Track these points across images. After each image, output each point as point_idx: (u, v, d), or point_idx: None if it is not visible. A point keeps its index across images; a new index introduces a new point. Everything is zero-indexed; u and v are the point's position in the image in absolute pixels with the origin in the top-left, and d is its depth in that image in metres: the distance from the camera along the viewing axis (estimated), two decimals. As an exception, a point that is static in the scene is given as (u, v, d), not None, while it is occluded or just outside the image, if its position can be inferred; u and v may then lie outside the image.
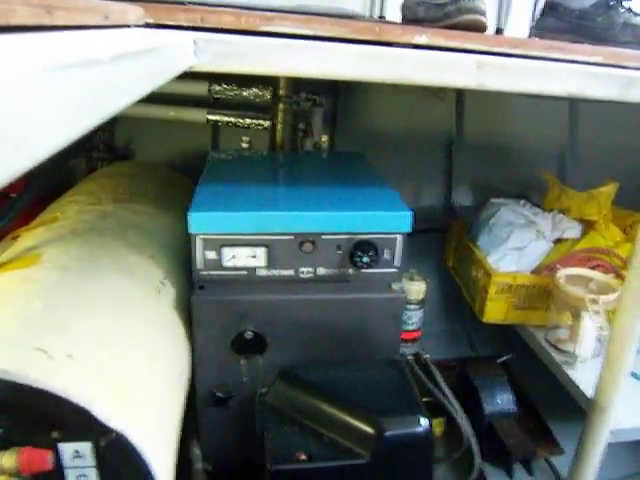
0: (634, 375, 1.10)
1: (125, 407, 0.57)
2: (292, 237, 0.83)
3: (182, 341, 0.81)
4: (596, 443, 0.99)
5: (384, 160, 1.28)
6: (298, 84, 1.30)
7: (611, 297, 1.05)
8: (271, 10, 0.69)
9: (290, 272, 0.86)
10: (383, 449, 0.72)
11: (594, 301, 1.04)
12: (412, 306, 1.21)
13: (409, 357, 1.11)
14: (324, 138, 1.32)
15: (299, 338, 0.86)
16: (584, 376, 1.07)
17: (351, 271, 0.87)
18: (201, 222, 0.80)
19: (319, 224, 0.83)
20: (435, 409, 1.11)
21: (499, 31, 1.39)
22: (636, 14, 1.01)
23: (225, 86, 1.32)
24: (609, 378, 0.95)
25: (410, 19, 0.91)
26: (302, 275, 0.86)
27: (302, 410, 0.78)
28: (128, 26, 0.55)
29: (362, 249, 0.84)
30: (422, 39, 0.69)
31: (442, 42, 0.70)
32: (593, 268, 1.19)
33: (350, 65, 0.62)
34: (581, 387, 1.05)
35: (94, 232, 0.83)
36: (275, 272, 0.85)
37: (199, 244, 0.82)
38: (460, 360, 1.33)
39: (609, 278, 1.14)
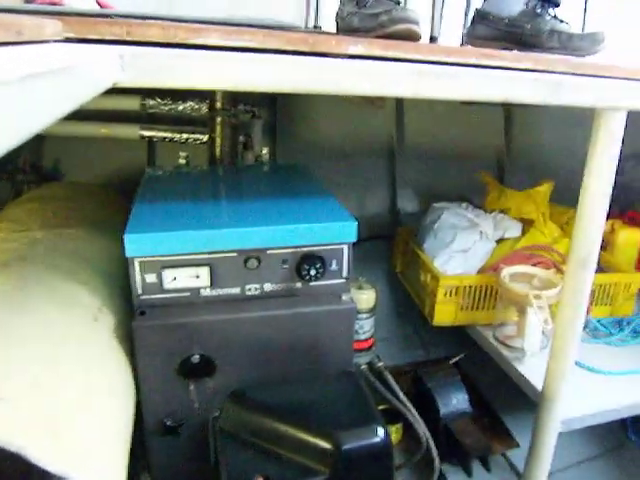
0: (580, 364, 1.13)
1: (64, 448, 0.53)
2: (236, 254, 0.81)
3: (125, 370, 0.77)
4: (548, 434, 1.01)
5: (327, 170, 1.27)
6: (235, 96, 1.27)
7: (553, 292, 1.08)
8: (203, 22, 0.66)
9: (236, 290, 0.83)
10: (342, 463, 0.71)
11: (537, 297, 1.07)
12: (363, 315, 1.20)
13: (363, 366, 1.11)
14: (265, 150, 1.30)
15: (249, 357, 0.83)
16: (533, 369, 1.09)
17: (299, 285, 0.85)
18: (138, 244, 0.77)
19: (263, 239, 0.81)
20: (392, 415, 1.11)
21: (433, 40, 1.41)
22: (561, 21, 1.05)
23: (159, 100, 1.27)
24: (556, 369, 0.97)
25: (344, 29, 0.90)
26: (248, 292, 0.84)
27: (257, 432, 0.75)
28: (46, 42, 0.52)
29: (309, 262, 0.83)
30: (357, 49, 0.69)
31: (377, 52, 0.70)
32: (535, 265, 1.22)
33: (285, 77, 0.60)
34: (531, 380, 1.07)
35: (21, 261, 0.77)
36: (220, 291, 0.82)
37: (137, 267, 0.78)
38: (414, 364, 1.34)
39: (550, 273, 1.17)
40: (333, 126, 1.48)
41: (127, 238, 0.76)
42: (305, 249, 0.83)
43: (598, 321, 1.30)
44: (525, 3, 1.07)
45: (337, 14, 0.95)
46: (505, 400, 1.31)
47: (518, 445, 1.15)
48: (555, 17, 1.07)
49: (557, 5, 1.10)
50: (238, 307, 0.82)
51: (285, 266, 0.84)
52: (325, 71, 0.62)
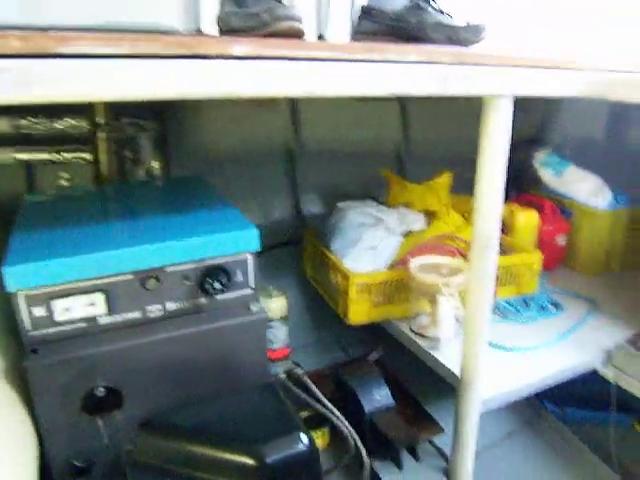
0: (493, 345, 1.18)
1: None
2: (132, 276, 0.77)
3: (20, 414, 0.71)
4: (470, 416, 1.04)
5: (225, 178, 1.24)
6: (118, 109, 1.21)
7: (461, 278, 1.12)
8: (73, 29, 0.62)
9: (136, 314, 0.79)
10: (268, 477, 0.69)
11: (447, 285, 1.11)
12: (276, 323, 1.19)
13: (281, 375, 1.09)
14: (156, 164, 1.25)
15: (160, 383, 0.80)
16: (450, 356, 1.12)
17: (204, 300, 0.83)
18: (20, 276, 0.71)
19: (160, 257, 0.78)
20: (317, 421, 1.10)
21: (320, 38, 1.42)
22: (444, 14, 1.09)
23: (32, 119, 1.17)
24: (470, 353, 1.01)
25: (226, 30, 0.89)
26: (151, 315, 0.80)
27: (175, 458, 0.72)
28: None
29: (212, 275, 0.80)
30: (241, 50, 0.67)
31: (262, 51, 0.69)
32: (442, 254, 1.26)
33: (165, 83, 0.58)
34: (448, 366, 1.11)
35: None
36: (119, 317, 0.78)
37: (22, 302, 0.72)
38: (334, 366, 1.34)
39: (457, 261, 1.22)
40: (227, 132, 1.44)
41: (5, 271, 0.70)
42: (207, 262, 0.81)
43: (506, 301, 1.36)
44: (409, -3, 1.10)
45: (218, 16, 0.93)
46: (427, 389, 1.34)
47: (443, 430, 1.18)
48: (438, 10, 1.11)
49: (441, -2, 1.14)
50: (140, 332, 0.79)
51: (187, 282, 0.81)
52: (208, 74, 0.60)
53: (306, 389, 1.09)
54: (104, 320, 0.77)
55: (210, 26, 1.02)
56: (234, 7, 0.85)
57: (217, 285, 0.81)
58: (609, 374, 1.20)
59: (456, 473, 1.10)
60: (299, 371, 1.14)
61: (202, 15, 1.20)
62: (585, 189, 1.59)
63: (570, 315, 1.35)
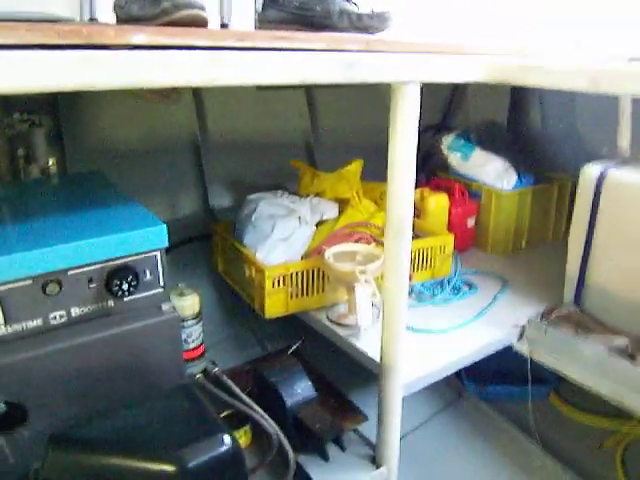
0: (411, 329, 1.23)
1: None
2: (30, 281, 0.74)
3: None
4: (392, 401, 1.08)
5: (128, 174, 1.20)
6: (6, 104, 1.14)
7: (376, 264, 1.15)
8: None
9: (37, 322, 0.76)
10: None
11: (362, 272, 1.14)
12: (189, 322, 1.17)
13: (198, 376, 1.08)
14: (51, 161, 1.19)
15: (68, 394, 0.77)
16: (370, 343, 1.15)
17: (112, 303, 0.81)
18: None
19: (61, 259, 0.75)
20: (239, 419, 1.10)
21: (224, 26, 1.41)
22: (349, 2, 1.11)
23: None
24: (390, 338, 1.04)
25: (125, 19, 0.86)
26: (54, 322, 0.77)
27: (88, 474, 0.70)
28: None
29: (119, 276, 0.78)
30: (140, 38, 0.66)
31: (163, 40, 0.67)
32: (356, 241, 1.30)
33: (61, 75, 0.55)
34: (369, 353, 1.14)
35: None
36: (18, 327, 0.75)
37: None
38: (253, 362, 1.34)
39: (371, 248, 1.25)
40: (128, 126, 1.39)
41: None
42: (112, 263, 0.79)
43: (422, 285, 1.42)
44: (314, -15, 1.12)
45: (115, 3, 0.90)
46: (349, 378, 1.37)
47: (367, 418, 1.21)
48: (343, -2, 1.13)
49: (343, -14, 1.17)
50: (43, 341, 0.75)
51: (92, 285, 0.78)
52: (106, 65, 0.58)
53: (225, 387, 1.09)
54: (0, 331, 0.73)
55: (107, 15, 0.98)
56: (133, -6, 0.83)
57: (125, 286, 0.79)
58: (523, 349, 1.29)
59: (382, 459, 1.13)
60: (216, 369, 1.13)
61: (98, 4, 1.15)
62: (491, 171, 1.68)
63: (484, 294, 1.43)
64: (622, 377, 1.14)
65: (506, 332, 1.29)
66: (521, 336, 1.30)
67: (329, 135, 1.68)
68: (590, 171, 1.26)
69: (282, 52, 0.73)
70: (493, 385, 1.70)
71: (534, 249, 1.77)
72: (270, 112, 1.57)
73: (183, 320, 1.15)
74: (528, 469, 1.47)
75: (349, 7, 1.08)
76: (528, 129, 2.17)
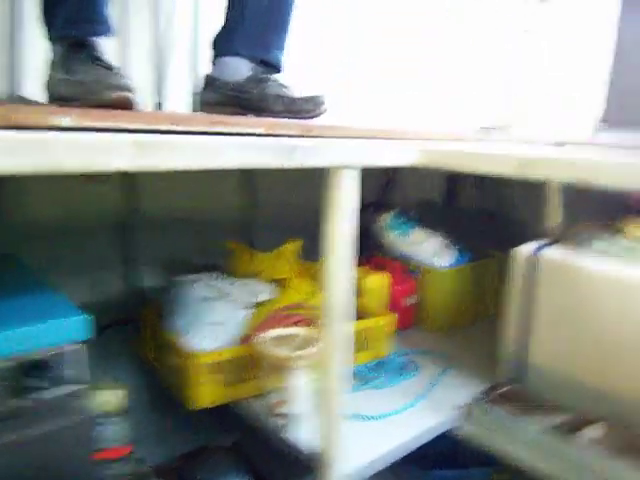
0: (354, 415, 1.21)
1: None
2: None
3: None
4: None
5: (50, 256, 1.15)
6: None
7: (314, 349, 1.13)
8: None
9: None
10: None
11: (300, 357, 1.12)
12: (113, 419, 1.10)
13: (126, 478, 1.01)
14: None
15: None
16: (308, 433, 1.13)
17: (23, 402, 0.74)
18: None
19: (-35, 354, 0.70)
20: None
21: (160, 106, 1.42)
22: (284, 86, 1.16)
23: None
24: (330, 427, 1.03)
25: (55, 98, 0.86)
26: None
27: None
28: None
29: (31, 372, 0.73)
30: (67, 121, 0.65)
31: (90, 123, 0.67)
32: (294, 324, 1.28)
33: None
34: (307, 445, 1.11)
35: None
36: None
37: None
38: (184, 457, 1.27)
39: (310, 330, 1.24)
40: (51, 205, 1.34)
41: None
42: (25, 357, 0.74)
43: (363, 367, 1.41)
44: (251, 69, 1.16)
45: (47, 81, 0.89)
46: (288, 470, 1.32)
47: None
48: (279, 82, 1.17)
49: (279, 71, 1.22)
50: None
51: (1, 382, 0.72)
52: (30, 148, 0.57)
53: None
54: None
55: (35, 92, 0.97)
56: (63, 74, 0.82)
57: (37, 383, 0.73)
58: (465, 431, 1.29)
59: None
60: (144, 469, 1.06)
61: (24, 80, 1.14)
62: (429, 249, 1.74)
63: (427, 374, 1.44)
64: (564, 457, 1.15)
65: (448, 414, 1.29)
66: (463, 417, 1.30)
67: (268, 214, 1.70)
68: (524, 249, 1.33)
69: (220, 137, 0.74)
70: (437, 469, 1.67)
71: (475, 325, 1.82)
72: (206, 190, 1.56)
73: (107, 416, 1.08)
74: None
75: (284, 91, 1.12)
76: (464, 208, 2.26)
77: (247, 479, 1.14)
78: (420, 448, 1.23)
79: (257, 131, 0.82)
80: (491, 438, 1.25)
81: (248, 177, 1.65)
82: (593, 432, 1.18)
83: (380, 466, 1.14)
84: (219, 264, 1.50)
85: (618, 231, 1.30)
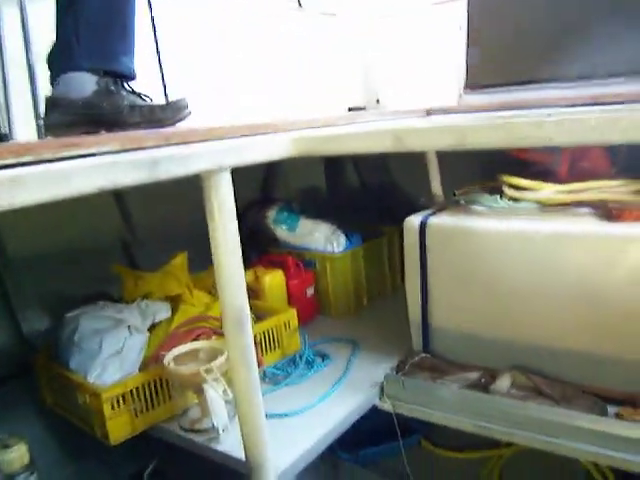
0: (272, 416, 1.21)
1: None
2: None
3: None
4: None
5: None
6: None
7: (221, 359, 1.13)
8: None
9: None
10: None
11: (208, 370, 1.11)
12: (20, 476, 1.04)
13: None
14: None
15: None
16: (232, 443, 1.12)
17: None
18: None
19: None
20: None
21: (5, 137, 1.34)
22: (140, 96, 1.12)
23: None
24: (251, 433, 1.02)
25: None
26: None
27: None
28: None
29: None
30: None
31: None
32: (197, 338, 1.26)
33: None
34: (232, 454, 1.11)
35: None
36: None
37: None
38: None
39: (214, 342, 1.23)
40: None
41: None
42: None
43: (274, 367, 1.42)
44: (96, 82, 1.10)
45: None
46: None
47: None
48: (133, 92, 1.13)
49: (132, 79, 1.17)
50: None
51: None
52: None
53: None
54: None
55: None
56: None
57: None
58: (386, 406, 1.33)
59: None
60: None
61: None
62: (319, 237, 1.77)
63: (338, 361, 1.47)
64: (481, 409, 1.22)
65: (367, 394, 1.33)
66: (381, 394, 1.34)
67: (146, 232, 1.65)
68: (412, 221, 1.38)
69: (72, 161, 0.71)
70: (365, 448, 1.73)
71: (377, 304, 1.87)
72: (77, 217, 1.49)
73: (12, 476, 1.01)
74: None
75: (139, 101, 1.08)
76: (348, 190, 2.32)
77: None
78: (348, 431, 1.26)
79: (111, 148, 0.78)
80: (411, 407, 1.30)
81: (117, 196, 1.59)
82: (502, 383, 1.27)
83: (309, 459, 1.15)
84: (108, 291, 1.45)
85: (498, 189, 1.39)
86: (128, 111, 1.06)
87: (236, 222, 0.94)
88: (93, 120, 1.06)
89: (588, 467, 1.54)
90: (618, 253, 1.14)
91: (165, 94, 1.49)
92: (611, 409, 1.17)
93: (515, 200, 1.34)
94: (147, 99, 1.13)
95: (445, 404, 1.26)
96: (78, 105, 1.06)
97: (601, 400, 1.20)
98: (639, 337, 1.15)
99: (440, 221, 1.36)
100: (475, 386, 1.29)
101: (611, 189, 1.26)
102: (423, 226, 1.35)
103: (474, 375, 1.33)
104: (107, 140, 0.83)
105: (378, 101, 2.68)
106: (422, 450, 1.78)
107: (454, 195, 1.49)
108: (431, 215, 1.37)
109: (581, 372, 1.24)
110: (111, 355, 1.20)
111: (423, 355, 1.43)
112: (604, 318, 1.18)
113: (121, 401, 1.14)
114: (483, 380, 1.30)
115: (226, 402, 1.13)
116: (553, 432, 1.13)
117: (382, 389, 1.34)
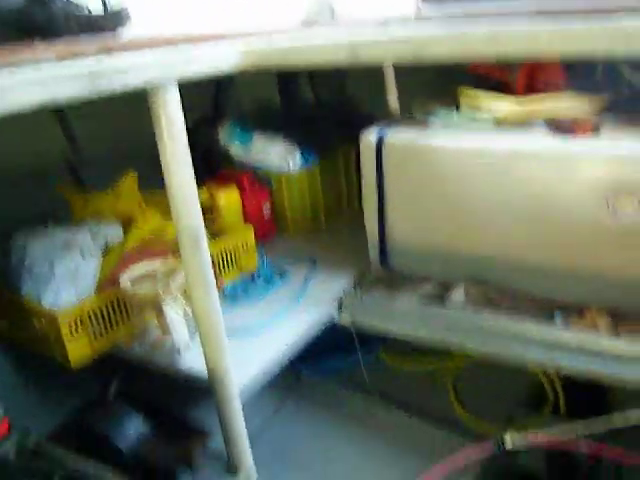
0: (232, 333, 1.22)
1: None
2: None
3: None
4: (231, 410, 1.10)
5: None
6: None
7: (178, 279, 1.14)
8: None
9: None
10: None
11: (166, 291, 1.12)
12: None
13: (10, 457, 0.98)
14: None
15: None
16: (194, 360, 1.15)
17: None
18: None
19: None
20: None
21: None
22: (75, 4, 1.05)
23: None
24: (212, 350, 1.05)
25: None
26: None
27: None
28: None
29: None
30: None
31: None
32: (152, 259, 1.26)
33: None
34: (195, 372, 1.14)
35: None
36: None
37: None
38: (74, 417, 1.25)
39: (170, 262, 1.23)
40: None
41: None
42: None
43: (232, 286, 1.44)
44: (28, -9, 1.04)
45: None
46: (184, 400, 1.37)
47: (209, 435, 1.21)
48: (68, 1, 1.07)
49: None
50: None
51: None
52: None
53: (48, 456, 1.00)
54: None
55: None
56: None
57: None
58: (345, 320, 1.38)
59: (238, 466, 1.17)
60: (32, 440, 1.03)
61: None
62: (274, 155, 1.74)
63: (297, 279, 1.50)
64: (436, 320, 1.28)
65: (326, 309, 1.37)
66: (340, 309, 1.39)
67: (93, 150, 1.58)
68: (368, 137, 1.37)
69: (7, 75, 0.67)
70: (325, 360, 1.80)
71: (334, 222, 1.88)
72: (13, 135, 1.41)
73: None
74: (376, 425, 1.59)
75: (75, 9, 1.02)
76: (303, 106, 2.27)
77: (146, 419, 1.15)
78: (308, 346, 1.31)
79: (48, 59, 0.74)
80: (369, 321, 1.35)
81: (59, 115, 1.51)
82: (457, 295, 1.32)
83: (271, 374, 1.20)
84: (55, 214, 1.40)
85: (455, 104, 1.39)
86: (64, 21, 1.00)
87: (186, 139, 0.92)
88: (27, 31, 1.00)
89: (537, 374, 1.65)
90: (571, 168, 1.16)
91: (104, 3, 1.39)
92: (559, 317, 1.23)
93: (472, 115, 1.34)
94: (84, 8, 1.07)
95: (402, 317, 1.31)
96: (9, 15, 1.00)
97: (550, 309, 1.26)
98: (588, 251, 1.20)
99: (397, 136, 1.35)
100: (431, 299, 1.34)
101: (567, 104, 1.28)
102: (380, 142, 1.35)
103: (430, 288, 1.37)
104: (43, 51, 0.79)
105: (332, 11, 2.58)
106: (380, 362, 1.86)
107: (411, 110, 1.48)
108: (388, 131, 1.37)
109: (532, 283, 1.30)
110: (64, 279, 1.18)
111: (381, 270, 1.47)
112: (556, 232, 1.22)
113: (79, 324, 1.14)
114: (439, 292, 1.35)
115: (186, 321, 1.16)
116: (505, 341, 1.20)
117: (340, 304, 1.38)
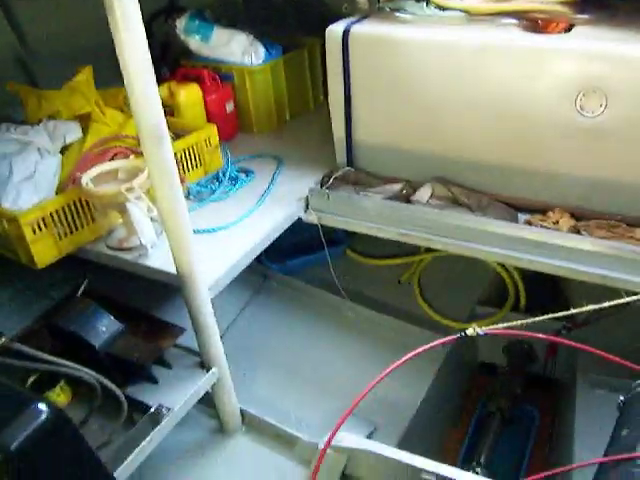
0: (199, 231, 1.26)
1: None
2: None
3: None
4: (202, 306, 1.13)
5: None
6: None
7: (142, 177, 1.13)
8: None
9: None
10: (21, 463, 0.68)
11: (130, 189, 1.11)
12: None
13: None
14: None
15: None
16: (162, 258, 1.17)
17: None
18: None
19: None
20: (49, 380, 1.07)
21: None
22: None
23: None
24: (179, 248, 1.06)
25: None
26: None
27: None
28: None
29: None
30: None
31: None
32: (113, 158, 1.24)
33: None
34: (163, 269, 1.17)
35: None
36: None
37: None
38: (44, 317, 1.28)
39: (132, 161, 1.22)
40: None
41: None
42: None
43: (197, 184, 1.44)
44: None
45: None
46: (156, 297, 1.40)
47: (183, 331, 1.24)
48: None
49: None
50: None
51: None
52: None
53: (22, 354, 1.03)
54: None
55: None
56: None
57: None
58: (311, 218, 1.40)
59: (210, 361, 1.21)
60: (3, 339, 1.07)
61: None
62: (236, 48, 1.68)
63: (262, 177, 1.50)
64: (402, 218, 1.31)
65: (292, 207, 1.39)
66: (307, 207, 1.41)
67: (43, 44, 1.51)
68: (335, 30, 1.33)
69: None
70: (293, 259, 1.85)
71: (300, 120, 1.85)
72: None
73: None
74: (343, 321, 1.68)
75: None
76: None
77: (117, 316, 1.18)
78: (273, 243, 1.33)
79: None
80: (336, 218, 1.38)
81: (4, 7, 1.43)
82: (423, 194, 1.35)
83: (238, 270, 1.23)
84: (7, 114, 1.37)
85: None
86: None
87: (144, 32, 0.89)
88: None
89: (497, 269, 1.73)
90: (540, 65, 1.16)
91: None
92: (522, 216, 1.29)
93: (441, 8, 1.32)
94: None
95: (368, 214, 1.34)
96: None
97: (514, 209, 1.31)
98: (554, 150, 1.23)
99: (364, 29, 1.32)
100: (397, 197, 1.36)
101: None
102: (346, 35, 1.31)
103: (396, 187, 1.40)
104: None
105: None
106: (347, 259, 1.92)
107: (378, 2, 1.44)
108: (354, 23, 1.33)
109: (497, 183, 1.33)
110: (23, 179, 1.17)
111: (347, 169, 1.48)
112: (522, 131, 1.23)
113: (42, 225, 1.14)
114: (405, 192, 1.38)
115: (152, 219, 1.16)
116: (468, 237, 1.24)
117: (307, 202, 1.40)
